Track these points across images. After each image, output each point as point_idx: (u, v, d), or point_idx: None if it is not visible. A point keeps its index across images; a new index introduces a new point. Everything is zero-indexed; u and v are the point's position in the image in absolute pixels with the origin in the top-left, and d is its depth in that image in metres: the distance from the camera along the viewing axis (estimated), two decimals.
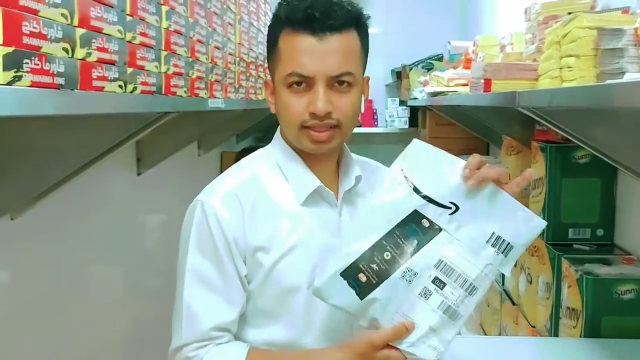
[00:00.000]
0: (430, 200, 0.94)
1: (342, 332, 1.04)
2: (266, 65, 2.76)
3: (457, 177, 0.94)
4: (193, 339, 1.01)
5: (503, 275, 2.03)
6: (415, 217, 0.93)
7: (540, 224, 0.96)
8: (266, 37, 1.10)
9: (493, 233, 0.93)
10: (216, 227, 1.01)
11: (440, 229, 0.93)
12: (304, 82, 1.00)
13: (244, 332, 1.06)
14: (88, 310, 1.73)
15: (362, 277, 0.92)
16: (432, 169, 0.95)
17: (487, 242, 0.94)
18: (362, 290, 0.92)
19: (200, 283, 1.03)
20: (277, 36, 1.03)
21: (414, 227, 0.93)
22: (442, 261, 0.93)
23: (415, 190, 0.93)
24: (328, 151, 1.06)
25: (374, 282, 0.92)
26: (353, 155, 1.17)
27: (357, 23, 1.04)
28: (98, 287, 1.83)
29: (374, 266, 0.92)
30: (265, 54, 2.77)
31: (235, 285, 1.03)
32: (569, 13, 1.38)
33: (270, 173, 1.08)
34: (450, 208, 0.94)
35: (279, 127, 1.13)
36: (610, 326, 1.33)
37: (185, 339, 1.02)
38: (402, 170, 0.95)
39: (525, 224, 0.95)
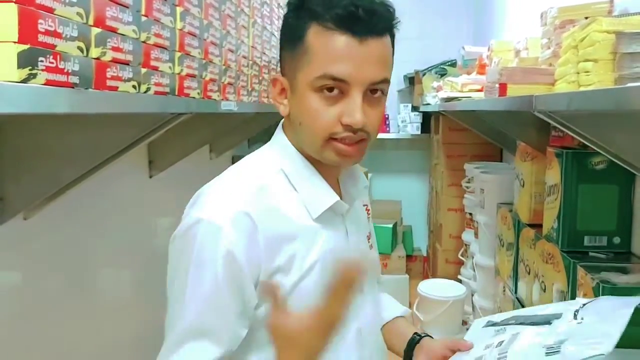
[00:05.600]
0: None
1: (352, 355, 0.97)
2: (279, 69, 2.76)
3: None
4: None
5: (516, 283, 2.02)
6: None
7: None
8: (284, 29, 0.97)
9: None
10: (225, 254, 0.85)
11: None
12: (336, 88, 0.88)
13: (246, 358, 0.94)
14: (99, 311, 1.74)
15: None
16: None
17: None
18: None
19: (193, 330, 0.88)
20: (304, 31, 0.89)
21: None
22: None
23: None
24: (351, 165, 0.97)
25: None
26: None
27: (392, 28, 0.94)
28: (108, 288, 1.83)
29: None
30: (278, 57, 2.77)
31: (231, 325, 0.89)
32: (586, 17, 1.37)
33: (277, 182, 0.95)
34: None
35: (279, 126, 1.03)
36: (627, 336, 1.30)
37: None
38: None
39: None
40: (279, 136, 1.02)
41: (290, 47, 0.93)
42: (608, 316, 0.92)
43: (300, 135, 0.95)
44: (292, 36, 0.93)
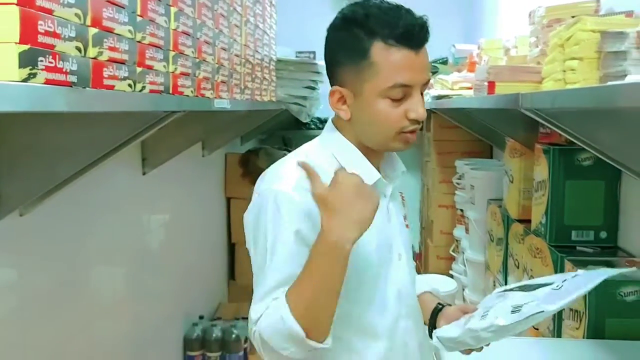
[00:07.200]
0: None
1: (394, 311, 1.15)
2: (272, 67, 2.79)
3: None
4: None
5: (506, 277, 2.05)
6: None
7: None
8: (340, 47, 1.10)
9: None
10: (291, 211, 1.04)
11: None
12: (402, 92, 1.07)
13: None
14: (92, 307, 1.75)
15: None
16: None
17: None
18: None
19: (270, 276, 1.05)
20: (367, 48, 1.05)
21: None
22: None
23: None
24: (408, 149, 1.16)
25: None
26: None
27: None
28: (103, 285, 1.85)
29: None
30: (271, 55, 2.76)
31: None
32: (573, 16, 1.40)
33: (328, 164, 1.12)
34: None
35: (328, 125, 1.18)
36: (614, 328, 1.34)
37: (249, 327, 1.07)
38: None
39: None
40: (331, 132, 1.18)
41: (351, 63, 1.08)
42: (579, 285, 1.02)
43: (367, 132, 1.13)
44: (352, 53, 1.08)
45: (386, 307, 1.14)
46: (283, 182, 1.07)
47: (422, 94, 1.11)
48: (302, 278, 1.00)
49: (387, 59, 1.05)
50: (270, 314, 1.01)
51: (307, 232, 1.04)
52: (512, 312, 1.01)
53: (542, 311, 0.96)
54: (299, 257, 1.02)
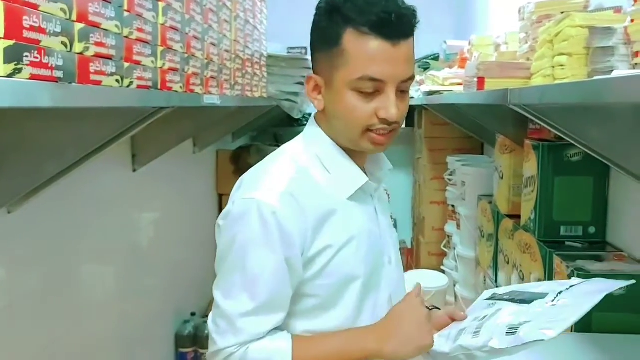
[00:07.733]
0: None
1: (383, 311, 1.11)
2: (262, 62, 2.78)
3: None
4: (231, 344, 1.00)
5: (496, 273, 2.06)
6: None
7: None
8: (318, 31, 1.05)
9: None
10: (277, 228, 0.96)
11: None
12: (372, 86, 0.99)
13: (291, 322, 1.05)
14: (82, 305, 1.74)
15: None
16: None
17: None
18: None
19: (249, 294, 0.98)
20: (340, 35, 0.99)
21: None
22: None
23: None
24: (382, 151, 1.11)
25: None
26: None
27: (415, 29, 1.05)
28: (92, 283, 1.84)
29: None
30: (261, 51, 2.75)
31: (287, 294, 1.01)
32: (562, 12, 1.40)
33: (314, 166, 1.06)
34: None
35: (311, 119, 1.12)
36: (601, 322, 1.35)
37: (222, 344, 1.00)
38: None
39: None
40: (312, 127, 1.11)
41: (325, 49, 1.02)
42: (578, 301, 0.98)
43: (337, 127, 1.06)
44: (326, 39, 1.02)
45: (377, 316, 1.09)
46: (268, 192, 0.99)
47: (404, 91, 1.03)
48: (324, 345, 1.02)
49: (358, 48, 0.97)
50: (269, 348, 0.99)
51: (289, 250, 0.98)
52: (508, 333, 0.94)
53: (542, 339, 0.89)
54: (281, 273, 0.98)
